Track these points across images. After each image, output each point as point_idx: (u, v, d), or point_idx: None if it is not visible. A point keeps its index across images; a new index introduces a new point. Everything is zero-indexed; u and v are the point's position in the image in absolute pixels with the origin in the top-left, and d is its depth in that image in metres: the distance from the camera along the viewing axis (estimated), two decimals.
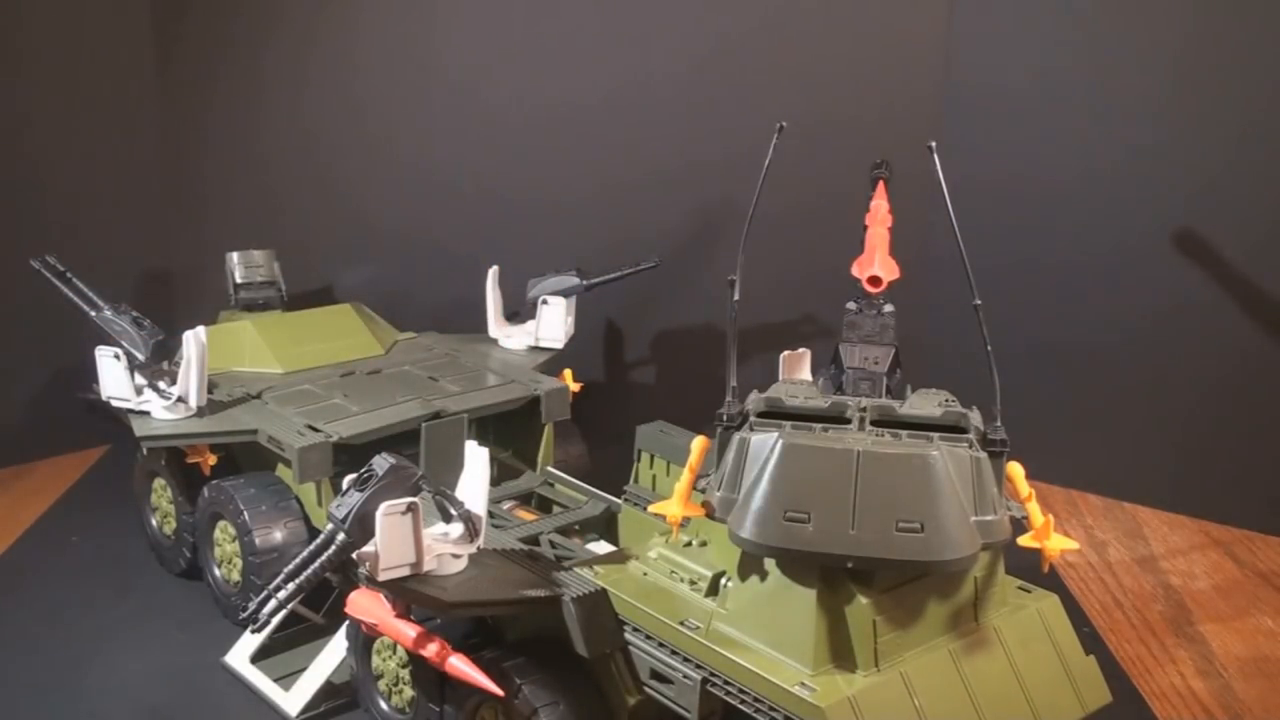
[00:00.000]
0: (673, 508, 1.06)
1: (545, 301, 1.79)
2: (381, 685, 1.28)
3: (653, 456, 1.47)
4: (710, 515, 1.02)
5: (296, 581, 1.03)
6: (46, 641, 1.48)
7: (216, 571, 1.55)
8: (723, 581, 1.08)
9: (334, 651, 1.33)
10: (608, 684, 1.13)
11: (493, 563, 1.13)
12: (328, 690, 1.33)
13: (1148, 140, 1.86)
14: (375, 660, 1.28)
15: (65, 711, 1.34)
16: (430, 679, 1.19)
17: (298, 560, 1.04)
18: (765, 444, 0.96)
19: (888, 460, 0.93)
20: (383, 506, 1.00)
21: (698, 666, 1.04)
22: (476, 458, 1.12)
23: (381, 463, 1.03)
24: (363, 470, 1.04)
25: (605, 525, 1.50)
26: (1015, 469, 1.04)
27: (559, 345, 1.80)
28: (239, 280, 1.87)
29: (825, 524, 0.92)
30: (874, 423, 1.01)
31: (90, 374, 1.58)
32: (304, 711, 1.32)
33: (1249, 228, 1.82)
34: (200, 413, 1.52)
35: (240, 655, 1.41)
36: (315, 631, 1.41)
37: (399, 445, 1.39)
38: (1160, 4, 1.83)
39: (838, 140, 1.89)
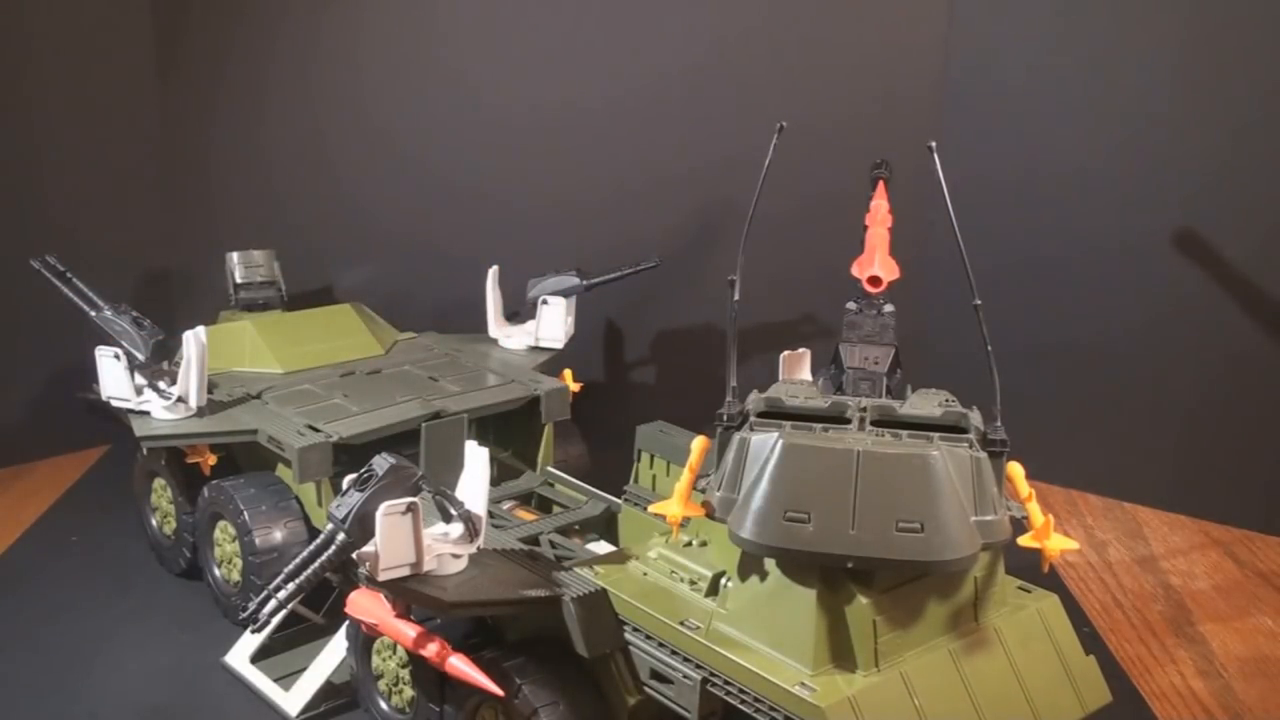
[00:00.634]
0: (673, 508, 1.06)
1: (545, 301, 1.79)
2: (381, 685, 1.28)
3: (653, 456, 1.47)
4: (710, 515, 1.02)
5: (296, 581, 1.03)
6: (46, 641, 1.48)
7: (216, 571, 1.55)
8: (723, 581, 1.08)
9: (334, 651, 1.33)
10: (608, 684, 1.13)
11: (493, 563, 1.13)
12: (328, 690, 1.33)
13: (1148, 140, 1.86)
14: (375, 660, 1.28)
15: (65, 711, 1.34)
16: (430, 679, 1.19)
17: (298, 560, 1.04)
18: (765, 444, 0.96)
19: (888, 460, 0.93)
20: (383, 506, 1.00)
21: (698, 666, 1.04)
22: (476, 458, 1.12)
23: (381, 463, 1.03)
24: (363, 470, 1.04)
25: (605, 525, 1.50)
26: (1015, 469, 1.04)
27: (559, 345, 1.80)
28: (239, 280, 1.87)
29: (825, 524, 0.92)
30: (874, 423, 1.01)
31: (90, 374, 1.58)
32: (304, 711, 1.32)
33: (1249, 227, 1.82)
34: (200, 413, 1.52)
35: (240, 655, 1.41)
36: (315, 631, 1.40)
37: (399, 445, 1.39)
38: (1160, 3, 1.83)
39: (838, 140, 1.89)
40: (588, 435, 1.76)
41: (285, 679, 1.36)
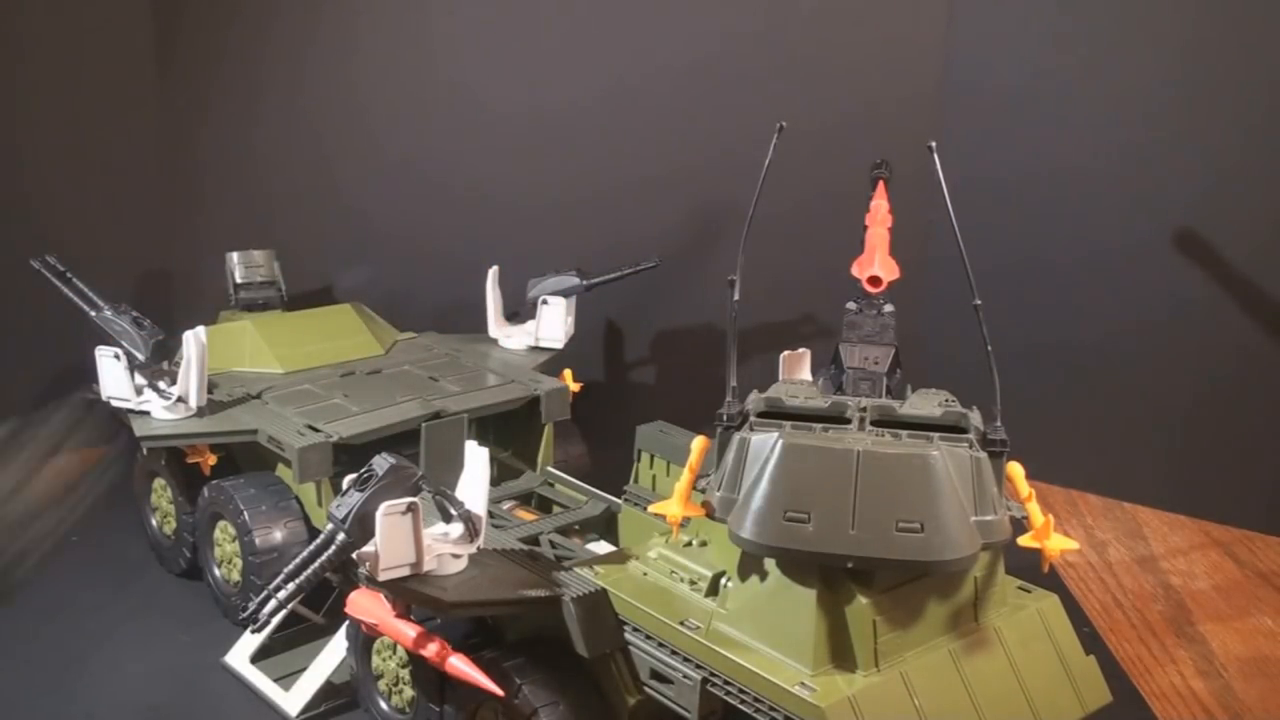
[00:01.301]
0: (673, 508, 1.06)
1: (545, 301, 1.79)
2: (381, 685, 1.28)
3: (653, 456, 1.47)
4: (710, 515, 1.03)
5: (296, 581, 1.03)
6: (46, 641, 1.48)
7: (216, 571, 1.55)
8: (723, 581, 1.08)
9: (334, 651, 1.33)
10: (608, 684, 1.13)
11: (493, 563, 1.13)
12: (328, 690, 1.33)
13: (1148, 140, 1.86)
14: (375, 660, 1.28)
15: (64, 711, 1.34)
16: (430, 679, 1.19)
17: (298, 560, 1.04)
18: (765, 444, 0.96)
19: (888, 460, 0.93)
20: (383, 506, 1.00)
21: (698, 666, 1.04)
22: (476, 458, 1.12)
23: (381, 463, 1.03)
24: (363, 470, 1.04)
25: (605, 525, 1.50)
26: (1015, 469, 1.04)
27: (559, 345, 1.80)
28: (239, 280, 1.87)
29: (825, 524, 0.92)
30: (874, 423, 1.01)
31: (90, 374, 1.58)
32: (304, 711, 1.32)
33: (1249, 227, 1.82)
34: (200, 413, 1.52)
35: (240, 655, 1.41)
36: (315, 631, 1.41)
37: (399, 445, 1.39)
38: (1160, 3, 1.83)
39: (838, 140, 1.89)
40: (588, 435, 1.76)
41: (285, 679, 1.36)
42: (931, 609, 1.02)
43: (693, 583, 1.10)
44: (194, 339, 1.49)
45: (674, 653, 1.06)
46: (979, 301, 1.00)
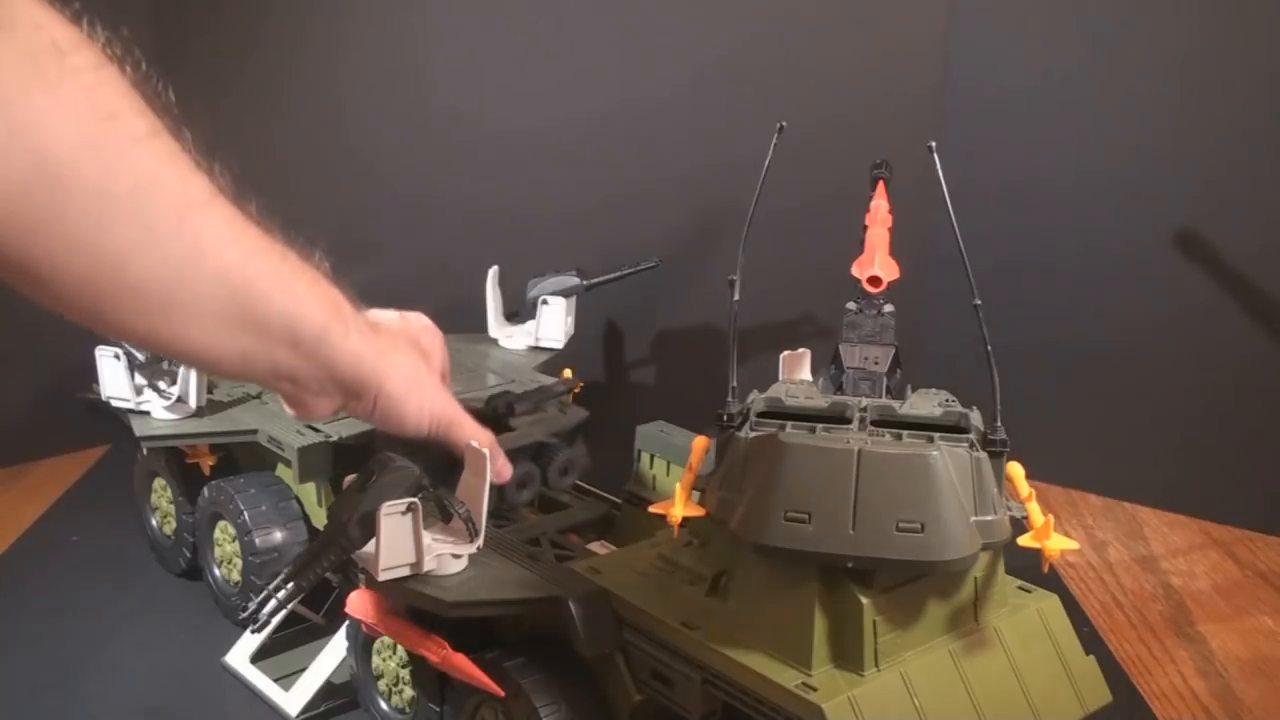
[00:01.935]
0: (673, 508, 1.06)
1: (545, 301, 1.79)
2: (381, 685, 1.28)
3: (653, 456, 1.47)
4: (710, 515, 1.02)
5: (296, 581, 1.03)
6: (46, 641, 1.48)
7: (216, 571, 1.55)
8: (723, 581, 1.08)
9: (334, 651, 1.33)
10: (608, 684, 1.13)
11: (493, 563, 1.13)
12: (328, 690, 1.33)
13: (1148, 140, 1.86)
14: (375, 660, 1.28)
15: (64, 711, 1.34)
16: (430, 679, 1.19)
17: (298, 560, 1.04)
18: (765, 444, 0.96)
19: (888, 460, 0.93)
20: (383, 506, 1.00)
21: (698, 666, 1.04)
22: (476, 458, 1.12)
23: (381, 462, 1.03)
24: (363, 470, 1.04)
25: (605, 525, 1.50)
26: (1015, 469, 1.04)
27: (559, 345, 1.80)
28: None
29: (825, 524, 0.92)
30: (874, 423, 1.01)
31: (90, 374, 1.58)
32: (304, 711, 1.32)
33: (1249, 228, 1.82)
34: (200, 413, 1.52)
35: (240, 655, 1.41)
36: (315, 631, 1.41)
37: (399, 445, 1.39)
38: (1161, 4, 1.83)
39: (838, 140, 1.89)
40: (588, 435, 1.76)
41: (285, 679, 1.36)
42: (931, 609, 1.02)
43: (692, 583, 1.10)
44: None
45: (674, 653, 1.06)
46: (979, 301, 1.00)
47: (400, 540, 1.03)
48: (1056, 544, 1.02)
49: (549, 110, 2.02)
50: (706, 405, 1.06)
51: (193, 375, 1.50)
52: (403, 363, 1.02)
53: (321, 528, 1.25)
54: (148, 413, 1.53)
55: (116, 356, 1.53)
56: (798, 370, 1.24)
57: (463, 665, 1.09)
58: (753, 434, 0.99)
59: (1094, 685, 1.11)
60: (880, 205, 1.22)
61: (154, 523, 1.69)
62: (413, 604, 1.09)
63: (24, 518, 1.84)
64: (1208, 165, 1.82)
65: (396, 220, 2.11)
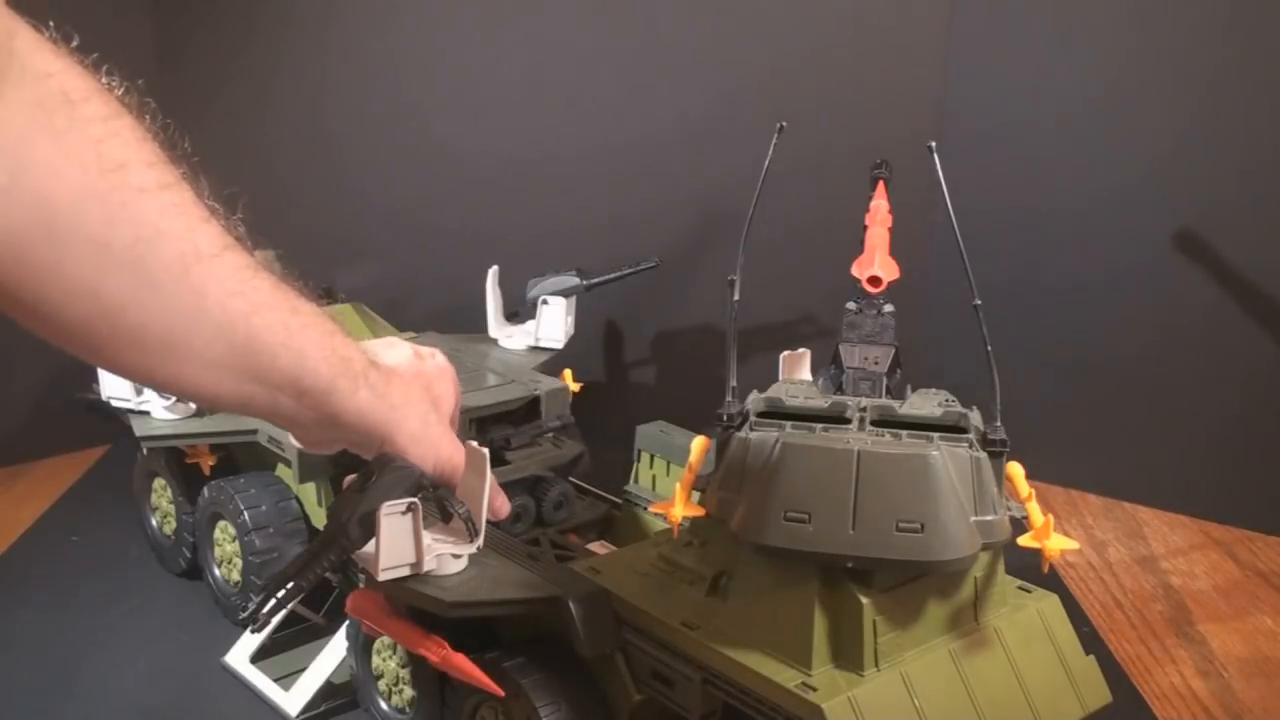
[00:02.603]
0: (673, 508, 1.06)
1: (545, 301, 1.79)
2: (381, 685, 1.28)
3: (653, 456, 1.47)
4: (710, 515, 1.02)
5: (296, 581, 1.03)
6: (46, 641, 1.48)
7: (216, 571, 1.55)
8: (723, 581, 1.08)
9: (334, 651, 1.33)
10: (608, 684, 1.13)
11: (493, 563, 1.13)
12: (328, 690, 1.33)
13: (1148, 140, 1.86)
14: (375, 660, 1.28)
15: (64, 711, 1.34)
16: (430, 679, 1.19)
17: (298, 560, 1.04)
18: (765, 444, 0.96)
19: (888, 460, 0.92)
20: (383, 506, 1.00)
21: (698, 666, 1.04)
22: (476, 458, 1.12)
23: (381, 463, 1.03)
24: (363, 470, 1.04)
25: (605, 525, 1.50)
26: (1015, 469, 1.04)
27: (559, 345, 1.80)
28: None
29: (825, 524, 0.92)
30: (874, 423, 1.01)
31: (90, 374, 1.58)
32: (304, 711, 1.32)
33: (1249, 229, 1.82)
34: (200, 413, 1.52)
35: (240, 655, 1.41)
36: (315, 631, 1.41)
37: None
38: (1162, 5, 1.83)
39: (838, 140, 1.89)
40: (588, 435, 1.76)
41: (285, 679, 1.36)
42: (931, 609, 1.02)
43: (692, 583, 1.10)
44: None
45: (674, 653, 1.06)
46: (979, 301, 1.00)
47: (400, 540, 1.03)
48: (1056, 544, 1.02)
49: (549, 111, 2.03)
50: (706, 405, 1.06)
51: None
52: (412, 415, 1.02)
53: (321, 528, 1.25)
54: (148, 412, 1.53)
55: None
56: (798, 370, 1.24)
57: (463, 665, 1.09)
58: (752, 434, 0.99)
59: (1094, 685, 1.11)
60: (880, 205, 1.22)
61: (154, 522, 1.69)
62: (413, 604, 1.09)
63: (24, 518, 1.84)
64: (1208, 164, 1.83)
65: (397, 220, 2.11)
